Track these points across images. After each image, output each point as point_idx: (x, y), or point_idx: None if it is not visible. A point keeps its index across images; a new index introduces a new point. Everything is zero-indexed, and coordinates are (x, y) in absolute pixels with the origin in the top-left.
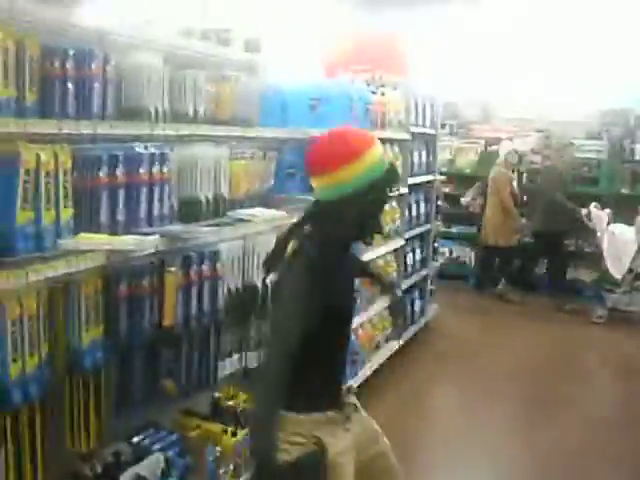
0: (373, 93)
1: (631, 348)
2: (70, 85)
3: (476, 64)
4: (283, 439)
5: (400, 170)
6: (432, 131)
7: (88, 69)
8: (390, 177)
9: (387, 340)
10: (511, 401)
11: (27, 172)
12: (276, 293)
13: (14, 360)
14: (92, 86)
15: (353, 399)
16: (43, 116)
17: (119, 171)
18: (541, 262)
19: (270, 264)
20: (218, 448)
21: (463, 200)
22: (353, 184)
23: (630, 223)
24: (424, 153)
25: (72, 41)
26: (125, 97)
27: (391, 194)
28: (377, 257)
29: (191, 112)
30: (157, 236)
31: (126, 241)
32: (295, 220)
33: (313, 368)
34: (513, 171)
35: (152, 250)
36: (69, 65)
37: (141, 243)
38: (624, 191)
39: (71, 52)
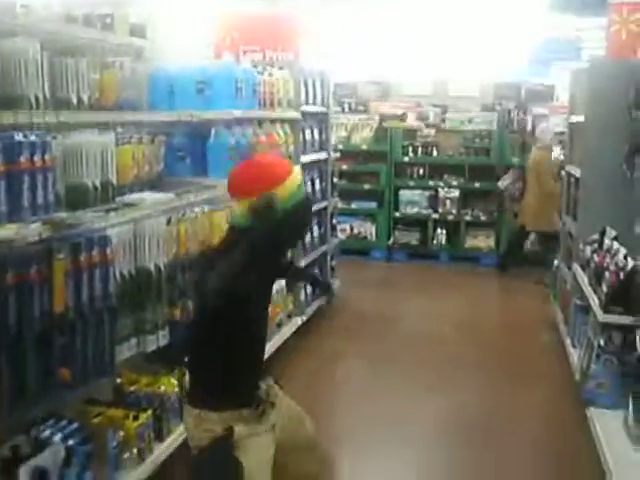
0: (260, 73)
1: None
2: None
3: (376, 43)
4: (197, 432)
5: (291, 149)
6: (324, 109)
7: None
8: (309, 204)
9: (290, 316)
10: (411, 366)
11: None
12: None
13: None
14: None
15: (273, 394)
16: None
17: None
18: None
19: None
20: (121, 433)
21: (500, 184)
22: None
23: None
24: (316, 131)
25: None
26: (2, 85)
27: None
28: None
29: (74, 100)
30: (39, 223)
31: (8, 230)
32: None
33: (229, 366)
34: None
35: (36, 238)
36: None
37: (23, 231)
38: (514, 160)
39: None
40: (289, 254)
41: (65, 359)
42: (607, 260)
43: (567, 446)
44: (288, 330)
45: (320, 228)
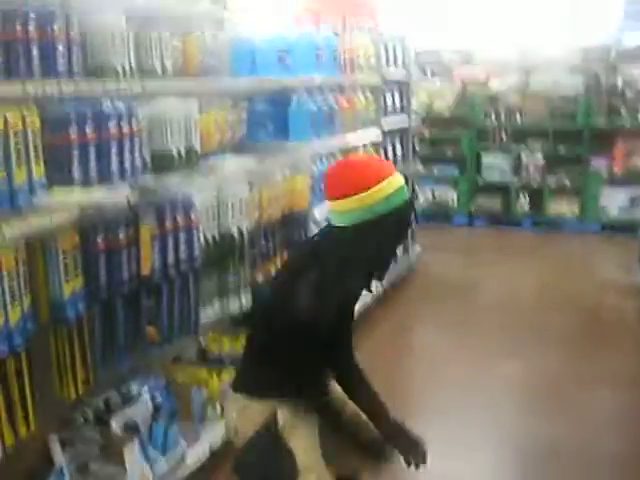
0: (340, 39)
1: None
2: (34, 48)
3: (458, 8)
4: (241, 422)
5: (372, 115)
6: (405, 75)
7: (50, 31)
8: (409, 210)
9: None
10: (490, 333)
11: None
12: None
13: None
14: (55, 47)
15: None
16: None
17: (88, 128)
18: (522, 198)
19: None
20: (205, 390)
21: None
22: (371, 210)
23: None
24: (397, 97)
25: (33, 5)
26: (91, 57)
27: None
28: None
29: (159, 68)
30: (128, 188)
31: (98, 194)
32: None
33: (305, 365)
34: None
35: (124, 201)
36: (31, 27)
37: (112, 194)
38: (601, 124)
39: (32, 15)
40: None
41: (152, 319)
42: None
43: None
44: (369, 297)
45: None
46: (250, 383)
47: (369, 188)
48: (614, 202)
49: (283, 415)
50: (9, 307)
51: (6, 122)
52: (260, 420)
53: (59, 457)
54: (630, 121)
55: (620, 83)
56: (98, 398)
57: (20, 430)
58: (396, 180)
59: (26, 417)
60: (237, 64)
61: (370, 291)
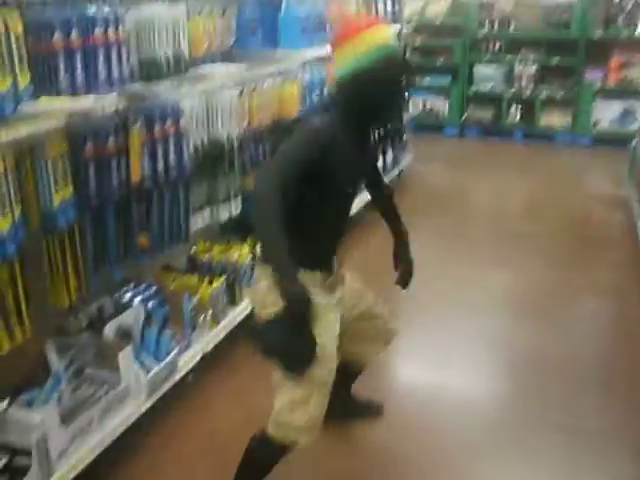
0: None
1: None
2: None
3: None
4: (271, 296)
5: None
6: None
7: None
8: (403, 62)
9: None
10: (479, 241)
11: None
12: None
13: None
14: None
15: (342, 271)
16: None
17: (73, 34)
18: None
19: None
20: (196, 297)
21: None
22: (364, 57)
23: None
24: (389, 3)
25: None
26: None
27: (403, 84)
28: None
29: None
30: (115, 95)
31: (86, 101)
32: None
33: (308, 229)
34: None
35: (112, 108)
36: None
37: (100, 102)
38: (596, 34)
39: None
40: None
41: (143, 227)
42: None
43: (631, 322)
44: (358, 202)
45: None
46: None
47: (354, 38)
48: (606, 114)
49: (316, 296)
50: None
51: None
52: None
53: (55, 363)
54: (627, 32)
55: None
56: (91, 306)
57: (16, 336)
58: (382, 32)
59: (21, 324)
60: None
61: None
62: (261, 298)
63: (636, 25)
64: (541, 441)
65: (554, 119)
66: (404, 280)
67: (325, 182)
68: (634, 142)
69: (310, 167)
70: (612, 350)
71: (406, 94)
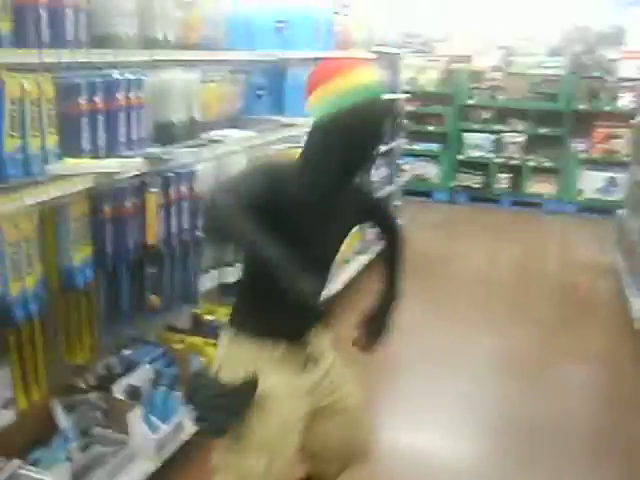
0: (337, 14)
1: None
2: (43, 13)
3: None
4: (226, 361)
5: None
6: (395, 50)
7: None
8: (387, 105)
9: (356, 255)
10: (468, 305)
11: (12, 101)
12: None
13: (14, 280)
14: (64, 14)
15: (321, 343)
16: (18, 46)
17: (98, 97)
18: (502, 177)
19: None
20: (202, 358)
21: None
22: (337, 100)
23: (586, 138)
24: (387, 72)
25: None
26: (96, 24)
27: (385, 126)
28: None
29: (161, 37)
30: (139, 158)
31: (111, 164)
32: None
33: (267, 284)
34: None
35: (136, 172)
36: None
37: (125, 165)
38: (581, 107)
39: None
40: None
41: (155, 287)
42: None
43: (621, 389)
44: (355, 268)
45: (387, 169)
46: (235, 316)
47: (332, 78)
48: (592, 183)
49: (271, 377)
50: (25, 275)
51: (23, 90)
52: (244, 362)
53: (63, 421)
54: (610, 105)
55: (599, 67)
56: (100, 364)
57: (33, 394)
58: (365, 74)
59: (37, 382)
60: (235, 35)
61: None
62: (220, 362)
63: (617, 99)
64: None
65: (541, 187)
66: (369, 342)
67: (283, 231)
68: (621, 211)
69: (260, 202)
70: (598, 417)
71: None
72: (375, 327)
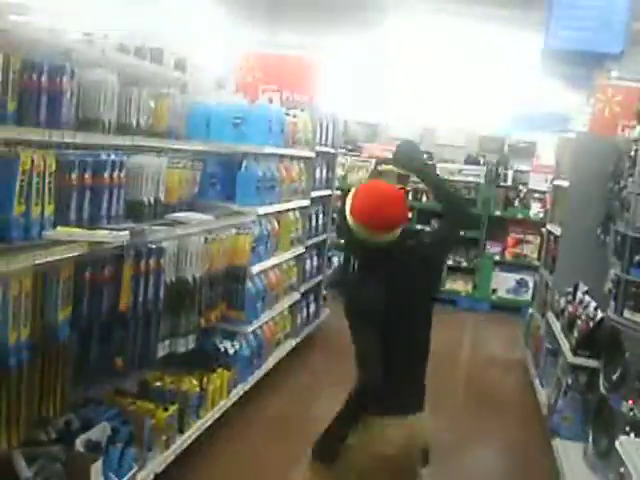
0: (287, 114)
1: None
2: (43, 97)
3: (365, 84)
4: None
5: (304, 184)
6: (332, 150)
7: (59, 82)
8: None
9: (286, 338)
10: None
11: (23, 172)
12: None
13: (13, 330)
14: (62, 98)
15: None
16: (20, 123)
17: (87, 174)
18: None
19: None
20: (152, 421)
21: None
22: None
23: (500, 242)
24: (325, 170)
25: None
26: (83, 109)
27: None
28: (282, 262)
29: (134, 124)
30: (126, 232)
31: (103, 234)
32: None
33: (394, 370)
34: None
35: (124, 242)
36: (44, 78)
37: (116, 236)
38: (497, 213)
39: (45, 67)
40: None
41: (120, 350)
42: (579, 310)
43: (533, 470)
44: (284, 349)
45: (319, 259)
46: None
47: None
48: (504, 284)
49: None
50: (21, 327)
51: (32, 163)
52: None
53: (25, 471)
54: (522, 213)
55: (511, 177)
56: (60, 419)
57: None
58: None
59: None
60: (194, 126)
61: None
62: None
63: (529, 208)
64: None
65: (458, 285)
66: None
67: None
68: (530, 310)
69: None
70: None
71: None
72: None
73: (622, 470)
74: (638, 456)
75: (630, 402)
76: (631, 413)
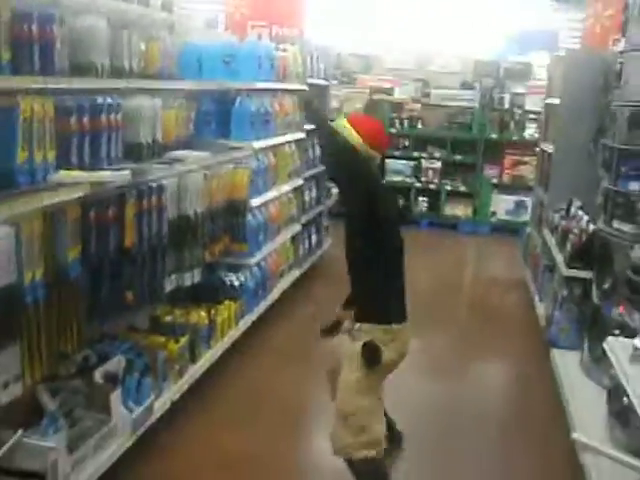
0: (277, 50)
1: None
2: (36, 46)
3: (359, 16)
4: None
5: (297, 118)
6: (325, 82)
7: (50, 31)
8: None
9: (290, 269)
10: None
11: (24, 120)
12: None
13: (28, 270)
14: (54, 46)
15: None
16: (16, 73)
17: (85, 118)
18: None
19: None
20: (165, 352)
21: None
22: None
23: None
24: (318, 102)
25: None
26: (76, 55)
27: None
28: (281, 194)
29: (127, 67)
30: (127, 171)
31: (105, 175)
32: None
33: (388, 279)
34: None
35: (125, 182)
36: (34, 27)
37: (118, 176)
38: (493, 136)
39: (35, 16)
40: None
41: (130, 285)
42: (573, 224)
43: (532, 378)
44: (288, 280)
45: (317, 190)
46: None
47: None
48: (502, 206)
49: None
50: (35, 266)
51: (32, 110)
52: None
53: (49, 404)
54: (517, 135)
55: (508, 100)
56: (79, 355)
57: (35, 373)
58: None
59: (40, 362)
60: (186, 66)
61: None
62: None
63: (524, 129)
64: None
65: (457, 209)
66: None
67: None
68: (527, 230)
69: None
70: (510, 405)
71: None
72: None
73: (612, 372)
74: (622, 352)
75: (621, 309)
76: (620, 318)
